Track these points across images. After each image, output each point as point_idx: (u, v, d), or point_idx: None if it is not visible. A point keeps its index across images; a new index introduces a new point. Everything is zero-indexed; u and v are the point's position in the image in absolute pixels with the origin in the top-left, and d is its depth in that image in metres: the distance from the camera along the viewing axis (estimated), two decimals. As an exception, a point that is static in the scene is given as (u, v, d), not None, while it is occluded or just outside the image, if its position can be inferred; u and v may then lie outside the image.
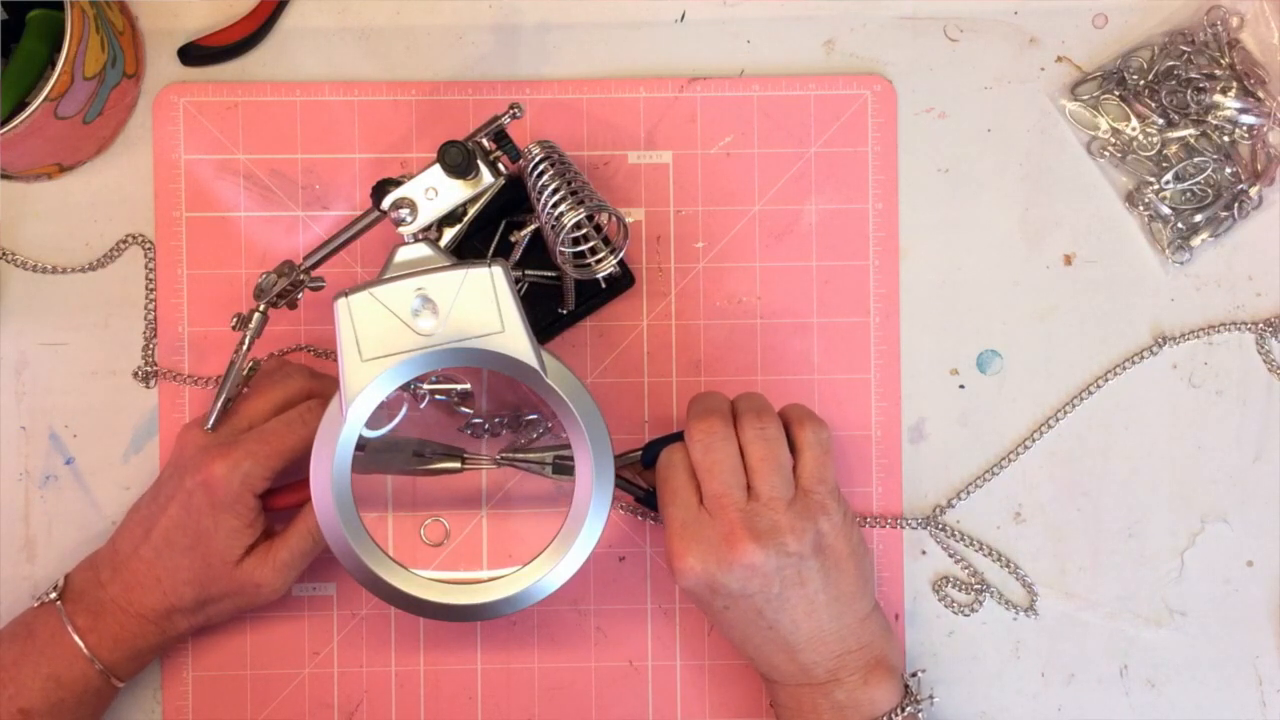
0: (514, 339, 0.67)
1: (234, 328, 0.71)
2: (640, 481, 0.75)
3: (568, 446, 0.71)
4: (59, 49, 0.69)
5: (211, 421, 0.71)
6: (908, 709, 0.70)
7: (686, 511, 0.68)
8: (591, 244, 0.74)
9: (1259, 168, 0.80)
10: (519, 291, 0.70)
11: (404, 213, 0.70)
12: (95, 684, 0.71)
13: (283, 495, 0.72)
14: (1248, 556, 0.80)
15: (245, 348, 0.71)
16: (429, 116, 0.79)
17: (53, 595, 0.72)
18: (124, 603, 0.71)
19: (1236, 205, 0.79)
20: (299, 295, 0.72)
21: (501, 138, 0.70)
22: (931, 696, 0.74)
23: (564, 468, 0.72)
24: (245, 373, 0.72)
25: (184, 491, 0.70)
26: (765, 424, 0.69)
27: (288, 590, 0.73)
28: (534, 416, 0.77)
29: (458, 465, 0.74)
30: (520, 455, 0.74)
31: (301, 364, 0.76)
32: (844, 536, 0.69)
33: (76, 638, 0.70)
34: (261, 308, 0.71)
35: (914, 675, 0.74)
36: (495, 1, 0.80)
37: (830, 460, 0.70)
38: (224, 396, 0.71)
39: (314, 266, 0.71)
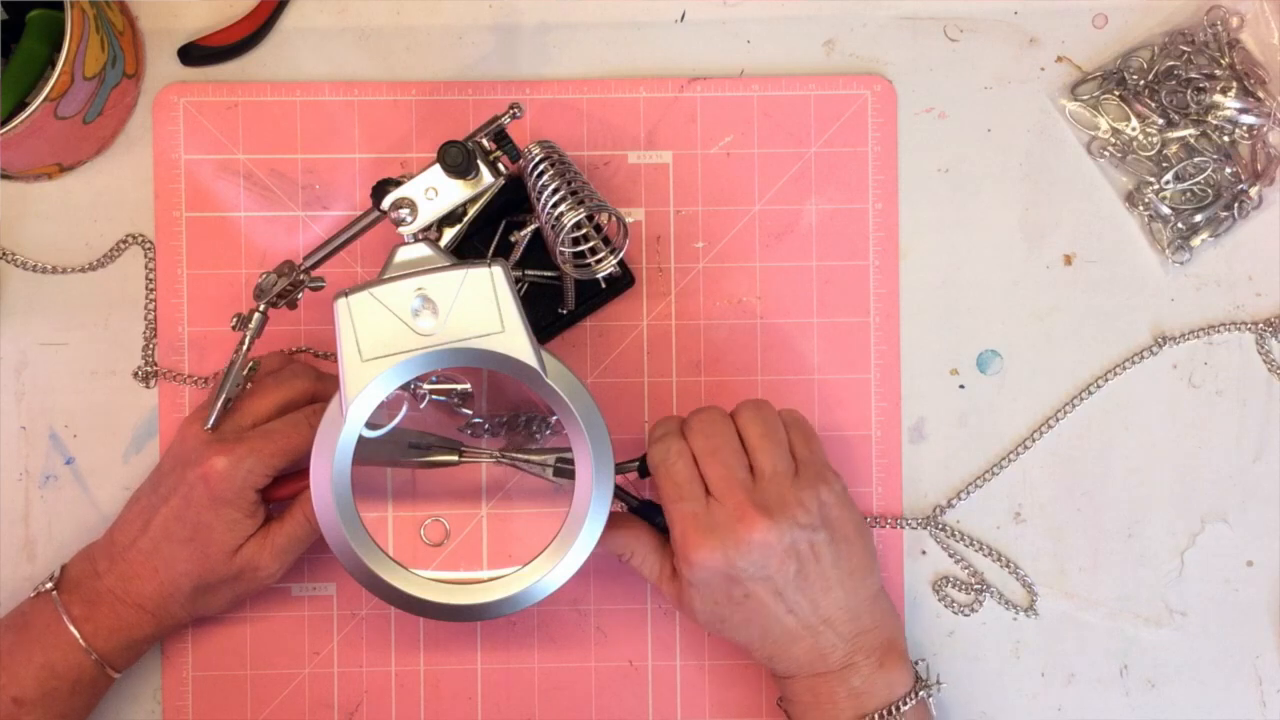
0: (514, 339, 0.67)
1: (234, 328, 0.71)
2: (633, 491, 0.75)
3: (570, 449, 0.70)
4: (59, 49, 0.69)
5: (211, 421, 0.71)
6: (920, 694, 0.71)
7: (695, 504, 0.68)
8: (591, 244, 0.74)
9: (1259, 168, 0.80)
10: (519, 291, 0.70)
11: (404, 213, 0.70)
12: (89, 673, 0.71)
13: (282, 487, 0.72)
14: (1248, 556, 0.80)
15: (245, 347, 0.71)
16: (429, 116, 0.79)
17: (48, 585, 0.72)
18: (120, 593, 0.71)
19: (1236, 205, 0.79)
20: (299, 295, 0.72)
21: (501, 138, 0.70)
22: (939, 682, 0.74)
23: (565, 470, 0.72)
24: (245, 372, 0.72)
25: (185, 484, 0.70)
26: (760, 406, 0.71)
27: (283, 574, 0.73)
28: (534, 417, 0.77)
29: (455, 458, 0.74)
30: (521, 456, 0.74)
31: (308, 364, 0.76)
32: (847, 507, 0.70)
33: (71, 627, 0.70)
34: (261, 308, 0.71)
35: (919, 662, 0.74)
36: (495, 1, 0.80)
37: (814, 433, 0.72)
38: (224, 396, 0.71)
39: (314, 266, 0.71)
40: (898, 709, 0.69)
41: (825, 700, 0.70)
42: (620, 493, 0.74)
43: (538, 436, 0.77)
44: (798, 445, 0.70)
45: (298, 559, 0.74)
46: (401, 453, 0.74)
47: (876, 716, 0.69)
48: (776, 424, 0.70)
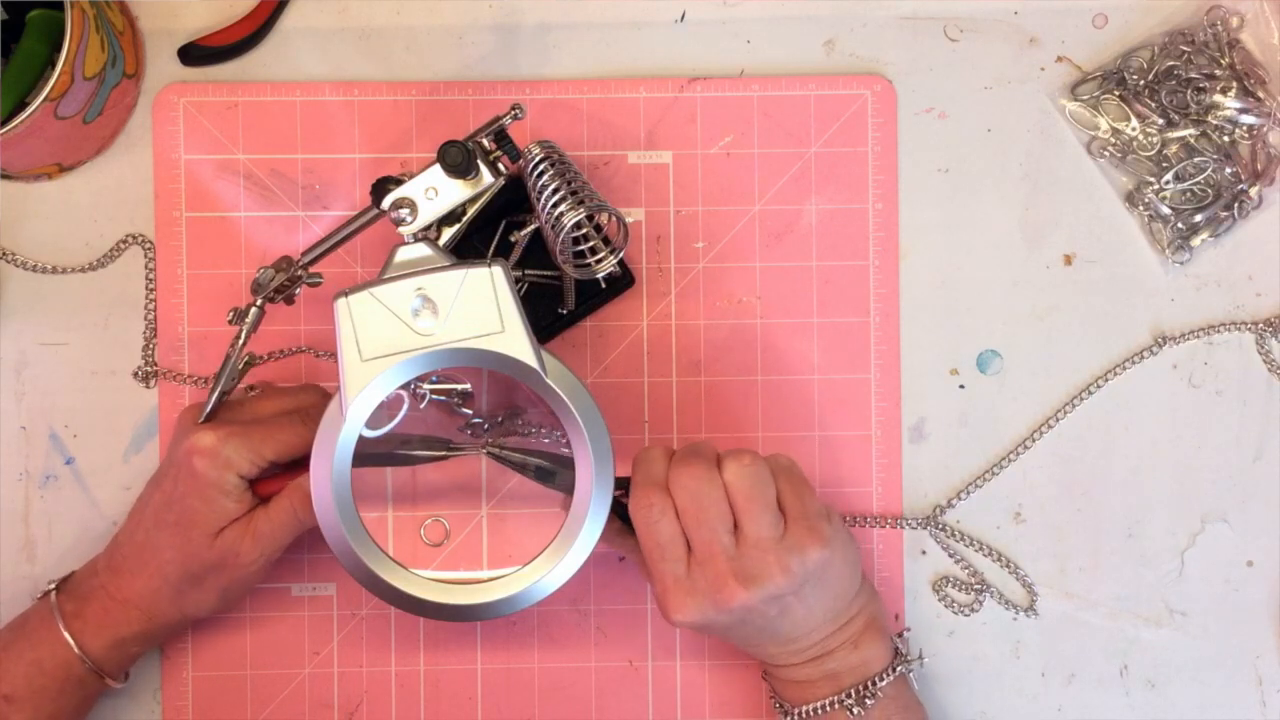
0: (514, 339, 0.67)
1: (230, 322, 0.71)
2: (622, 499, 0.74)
3: (552, 456, 0.70)
4: (59, 49, 0.69)
5: (205, 414, 0.71)
6: (898, 669, 0.71)
7: (677, 565, 0.67)
8: (591, 244, 0.74)
9: (1259, 168, 0.80)
10: (519, 291, 0.70)
11: (404, 213, 0.70)
12: (77, 673, 0.71)
13: (272, 482, 0.72)
14: (1248, 556, 0.80)
15: (241, 342, 0.71)
16: (429, 116, 0.79)
17: (52, 584, 0.72)
18: (112, 588, 0.71)
19: (1236, 205, 0.79)
20: (296, 291, 0.72)
21: (502, 138, 0.70)
22: (921, 656, 0.74)
23: (546, 473, 0.71)
24: (241, 367, 0.72)
25: (174, 466, 0.70)
26: (749, 460, 0.67)
27: (266, 565, 0.72)
28: (524, 412, 0.77)
29: (443, 452, 0.73)
30: (506, 451, 0.73)
31: (318, 385, 0.76)
32: (838, 551, 0.69)
33: (60, 623, 0.70)
34: (258, 303, 0.71)
35: (900, 635, 0.75)
36: (495, 1, 0.80)
37: (805, 482, 0.69)
38: (219, 390, 0.71)
39: (312, 263, 0.71)
40: (873, 684, 0.70)
41: (802, 680, 0.71)
42: (620, 494, 0.74)
43: (531, 432, 0.77)
44: (787, 498, 0.68)
45: (282, 552, 0.72)
46: (395, 449, 0.73)
47: (853, 692, 0.70)
48: (764, 483, 0.67)
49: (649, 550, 0.68)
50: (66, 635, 0.70)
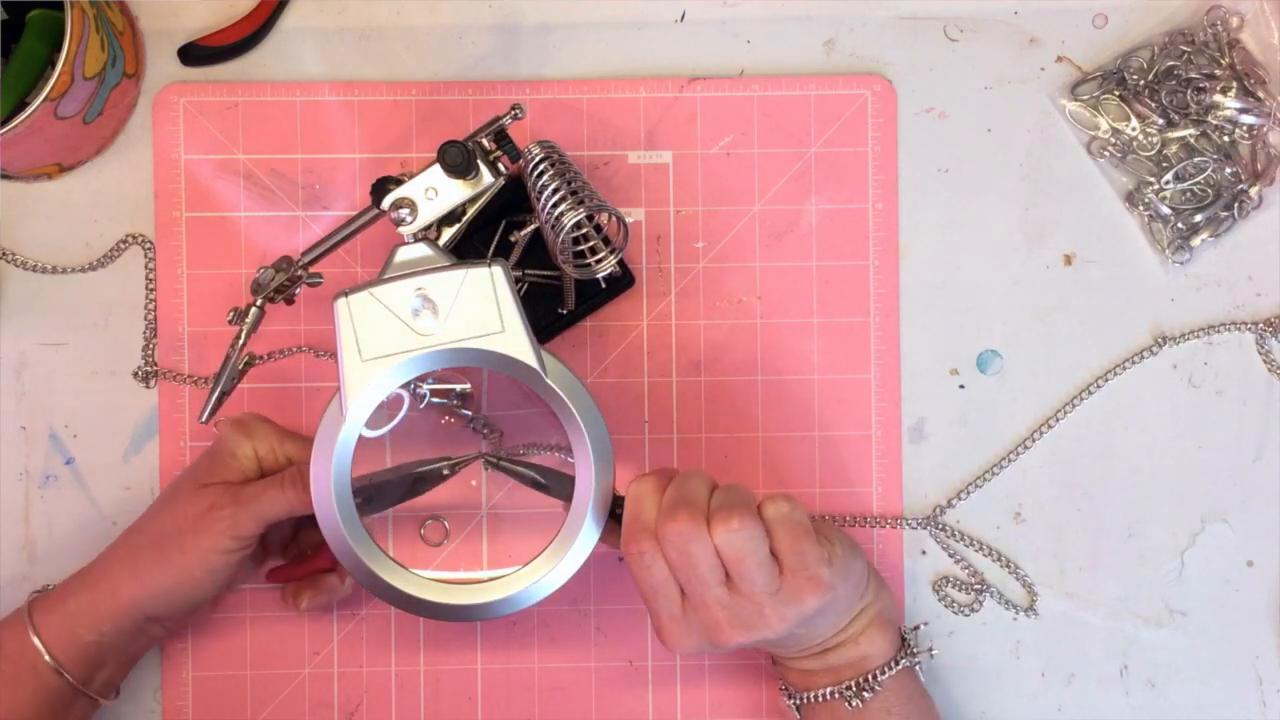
0: (514, 339, 0.67)
1: (230, 322, 0.71)
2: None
3: (551, 470, 0.70)
4: (59, 49, 0.69)
5: (206, 414, 0.71)
6: (902, 662, 0.71)
7: (672, 606, 0.67)
8: (591, 244, 0.74)
9: (1259, 168, 0.80)
10: (519, 291, 0.70)
11: (404, 213, 0.70)
12: (29, 656, 0.69)
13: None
14: (1248, 556, 0.80)
15: (241, 342, 0.71)
16: (429, 116, 0.79)
17: (50, 586, 0.73)
18: (85, 575, 0.71)
19: (1236, 205, 0.79)
20: (296, 291, 0.72)
21: (502, 138, 0.70)
22: (931, 650, 0.74)
23: (542, 486, 0.71)
24: (241, 367, 0.72)
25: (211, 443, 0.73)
26: (738, 525, 0.65)
27: (236, 544, 0.69)
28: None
29: (447, 470, 0.73)
30: (507, 461, 0.72)
31: None
32: (841, 585, 0.67)
33: (27, 613, 0.70)
34: (258, 303, 0.71)
35: (915, 629, 0.74)
36: (495, 1, 0.80)
37: (803, 530, 0.66)
38: (219, 390, 0.71)
39: (312, 263, 0.71)
40: (874, 678, 0.70)
41: (804, 670, 0.71)
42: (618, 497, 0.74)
43: (526, 450, 0.77)
44: (783, 550, 0.65)
45: (255, 541, 0.70)
46: (406, 494, 0.73)
47: (852, 684, 0.70)
48: (754, 542, 0.65)
49: (643, 591, 0.68)
50: (27, 617, 0.70)
